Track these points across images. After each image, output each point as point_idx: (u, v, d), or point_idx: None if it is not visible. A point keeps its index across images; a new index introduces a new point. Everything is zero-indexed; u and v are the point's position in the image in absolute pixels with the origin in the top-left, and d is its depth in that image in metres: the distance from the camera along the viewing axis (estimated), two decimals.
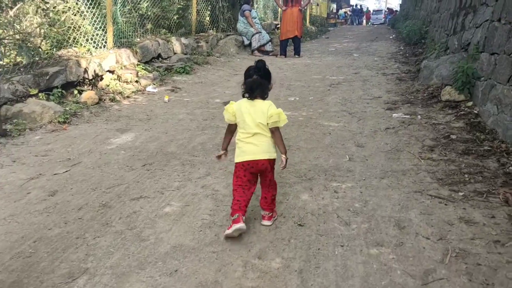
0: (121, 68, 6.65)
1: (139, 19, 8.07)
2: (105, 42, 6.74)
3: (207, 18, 10.73)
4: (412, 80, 7.10)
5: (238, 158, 2.64)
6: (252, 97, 2.60)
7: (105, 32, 6.75)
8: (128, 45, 7.15)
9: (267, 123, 2.58)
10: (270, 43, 11.05)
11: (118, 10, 7.21)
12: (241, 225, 2.48)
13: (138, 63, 7.19)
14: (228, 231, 2.49)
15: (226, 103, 3.17)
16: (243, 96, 2.66)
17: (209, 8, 10.64)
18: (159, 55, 7.98)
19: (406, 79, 7.27)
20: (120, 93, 6.17)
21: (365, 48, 12.60)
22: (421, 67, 7.08)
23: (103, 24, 6.72)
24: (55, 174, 3.58)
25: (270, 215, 2.74)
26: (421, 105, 5.59)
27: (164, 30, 8.64)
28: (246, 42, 10.79)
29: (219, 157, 2.83)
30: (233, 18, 11.32)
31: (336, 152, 4.10)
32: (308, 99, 6.22)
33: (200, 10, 10.29)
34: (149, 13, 8.30)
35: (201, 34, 10.47)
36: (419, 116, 5.11)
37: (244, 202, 2.58)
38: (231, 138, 2.81)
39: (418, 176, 3.47)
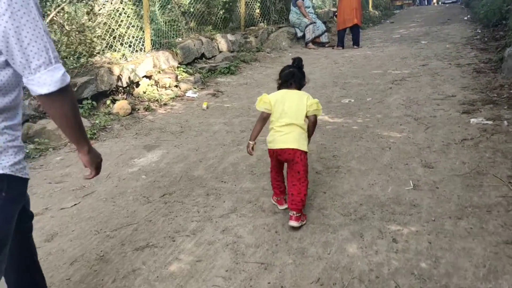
0: (159, 72, 6.18)
1: (181, 17, 7.57)
2: (143, 45, 6.29)
3: (257, 11, 10.04)
4: (494, 72, 5.95)
5: (269, 145, 2.69)
6: (288, 86, 2.72)
7: (143, 34, 6.30)
8: (168, 47, 6.67)
9: (307, 111, 2.62)
10: (326, 33, 10.14)
11: (157, 9, 6.75)
12: (284, 206, 2.84)
13: (179, 65, 6.69)
14: (280, 207, 2.88)
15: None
16: (279, 89, 2.79)
17: (259, 0, 9.94)
18: (203, 55, 7.45)
19: (486, 71, 6.12)
20: (157, 100, 5.70)
21: (435, 33, 11.25)
22: (504, 55, 5.91)
23: (139, 26, 6.27)
24: (61, 209, 3.12)
25: (298, 215, 2.61)
26: (508, 106, 4.53)
27: (209, 27, 8.09)
28: (300, 34, 9.96)
29: (251, 148, 2.80)
30: (285, 9, 10.53)
31: (396, 175, 3.28)
32: (365, 100, 5.35)
33: (249, 2, 9.62)
34: (192, 10, 7.77)
35: (251, 28, 9.81)
36: (505, 122, 4.09)
37: (282, 184, 2.86)
38: (263, 127, 2.78)
39: (510, 216, 2.58)
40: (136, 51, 6.18)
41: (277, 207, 2.92)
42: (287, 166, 2.69)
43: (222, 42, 7.95)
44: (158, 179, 3.52)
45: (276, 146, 2.63)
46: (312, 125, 2.71)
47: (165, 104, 5.69)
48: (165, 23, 6.96)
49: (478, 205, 2.76)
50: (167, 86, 6.10)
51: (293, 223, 2.59)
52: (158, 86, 6.06)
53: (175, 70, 6.50)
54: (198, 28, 7.94)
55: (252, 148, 2.78)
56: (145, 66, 6.00)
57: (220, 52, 7.89)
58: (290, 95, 2.68)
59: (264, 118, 2.75)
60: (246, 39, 8.75)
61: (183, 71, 6.63)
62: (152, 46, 6.48)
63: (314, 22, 9.85)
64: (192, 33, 7.73)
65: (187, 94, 6.10)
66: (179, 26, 7.44)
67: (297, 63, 2.85)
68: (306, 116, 2.65)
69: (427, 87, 5.69)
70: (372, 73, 6.80)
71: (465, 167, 3.33)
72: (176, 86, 6.23)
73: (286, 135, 2.59)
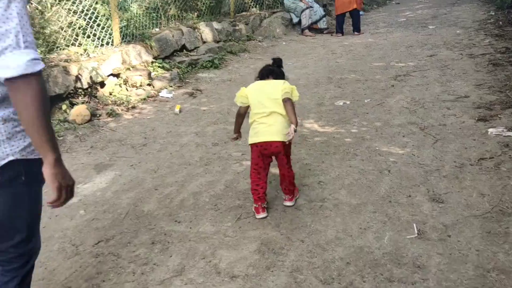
0: (129, 69, 5.43)
1: (159, 3, 6.77)
2: (111, 38, 5.53)
3: None
4: None
5: (252, 139, 2.57)
6: (264, 79, 2.65)
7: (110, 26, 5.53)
8: (141, 39, 5.90)
9: (281, 96, 2.51)
10: (324, 18, 9.27)
11: None
12: (261, 215, 2.62)
13: (154, 60, 5.92)
14: (257, 216, 2.63)
15: None
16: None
17: None
18: (184, 47, 6.66)
19: (504, 63, 5.32)
20: (125, 102, 4.97)
21: (444, 16, 10.34)
22: None
23: (106, 15, 5.51)
24: None
25: (291, 197, 2.74)
26: None
27: (192, 14, 7.28)
28: (295, 19, 9.11)
29: (234, 139, 2.86)
30: None
31: (396, 215, 2.56)
32: (362, 102, 4.59)
33: None
34: None
35: (242, 14, 8.97)
36: None
37: (262, 190, 2.62)
38: (243, 121, 2.75)
39: None
40: (102, 45, 5.42)
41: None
42: (276, 158, 2.63)
43: (206, 31, 7.15)
44: (99, 216, 2.82)
45: (260, 139, 2.51)
46: (288, 109, 2.48)
47: (133, 107, 4.95)
48: (140, 11, 6.17)
49: (505, 269, 2.04)
50: (138, 85, 5.36)
51: (288, 203, 2.74)
52: (128, 85, 5.32)
53: (149, 66, 5.74)
54: (180, 16, 7.13)
55: (236, 138, 2.81)
56: (111, 63, 5.25)
57: (204, 42, 7.09)
58: (266, 84, 2.60)
59: (241, 113, 2.70)
60: (234, 27, 7.93)
61: (159, 67, 5.87)
62: (122, 38, 5.72)
63: (311, 7, 8.98)
64: (172, 22, 6.93)
65: (160, 94, 5.35)
66: (158, 14, 6.65)
67: (277, 64, 2.77)
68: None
69: (435, 85, 4.90)
70: (373, 66, 6.00)
71: (484, 202, 2.60)
72: (149, 84, 5.48)
73: (270, 127, 2.49)
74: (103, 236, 2.60)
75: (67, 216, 2.83)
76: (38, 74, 1.22)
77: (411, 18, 10.78)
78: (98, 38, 5.41)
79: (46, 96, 1.27)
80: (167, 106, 5.02)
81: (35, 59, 1.21)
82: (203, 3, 7.62)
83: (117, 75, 5.31)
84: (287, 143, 2.52)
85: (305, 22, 8.93)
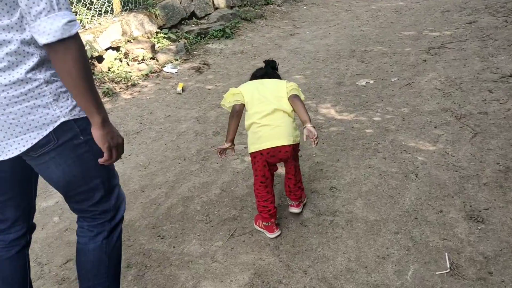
0: (129, 41, 4.95)
1: None
2: (110, 7, 5.03)
3: None
4: None
5: (254, 146, 2.08)
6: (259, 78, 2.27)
7: None
8: (144, 6, 5.37)
9: (286, 93, 2.11)
10: None
11: None
12: (276, 233, 2.19)
13: (159, 30, 5.41)
14: (270, 235, 2.19)
15: None
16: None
17: None
18: (193, 14, 6.09)
19: None
20: (124, 79, 4.53)
21: None
22: None
23: None
24: None
25: (298, 202, 2.32)
26: None
27: None
28: None
29: (222, 152, 2.23)
30: None
31: (424, 238, 2.07)
32: (388, 81, 3.99)
33: None
34: None
35: None
36: None
37: (272, 205, 2.17)
38: (238, 124, 2.17)
39: None
40: (101, 14, 4.94)
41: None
42: (284, 164, 2.24)
43: None
44: (74, 226, 2.43)
45: (264, 146, 2.04)
46: (298, 107, 2.08)
47: (133, 85, 4.51)
48: None
49: None
50: (139, 59, 4.89)
51: (295, 209, 2.33)
52: (129, 59, 4.86)
53: (152, 37, 5.24)
54: None
55: (225, 151, 2.23)
56: (110, 35, 4.77)
57: (216, 9, 6.49)
58: (265, 81, 2.21)
59: (238, 112, 2.14)
60: None
61: (164, 38, 5.36)
62: (123, 6, 5.21)
63: None
64: None
65: (164, 69, 4.88)
66: None
67: (271, 66, 2.38)
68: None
69: (474, 59, 4.23)
70: (402, 35, 5.30)
71: None
72: (152, 58, 5.01)
73: (276, 129, 2.04)
74: (73, 253, 2.23)
75: (39, 224, 2.46)
76: (75, 37, 1.17)
77: None
78: (95, 8, 4.92)
79: (86, 58, 1.22)
80: (170, 83, 4.55)
81: (70, 21, 1.15)
82: None
83: (116, 48, 4.85)
84: (295, 146, 2.12)
85: None
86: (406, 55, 4.59)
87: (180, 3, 5.85)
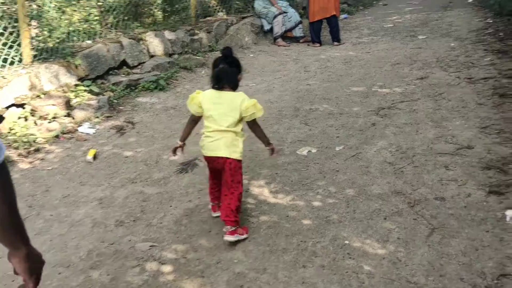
0: (39, 96, 4.24)
1: (96, 10, 5.59)
2: (17, 55, 4.34)
3: None
4: None
5: (201, 150, 2.46)
6: (219, 87, 2.42)
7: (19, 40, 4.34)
8: (62, 56, 4.70)
9: (243, 117, 2.38)
10: (300, 25, 8.13)
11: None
12: (217, 214, 2.56)
13: (79, 82, 4.73)
14: (212, 214, 2.63)
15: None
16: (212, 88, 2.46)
17: None
18: (124, 63, 5.47)
19: None
20: (25, 143, 3.78)
21: (435, 22, 9.28)
22: None
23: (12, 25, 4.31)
24: None
25: (233, 229, 2.35)
26: None
27: (139, 23, 6.09)
28: (267, 27, 7.94)
29: (174, 151, 2.58)
30: None
31: None
32: (333, 151, 3.47)
33: None
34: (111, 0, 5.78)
35: (207, 19, 7.80)
36: None
37: (217, 193, 2.54)
38: (193, 129, 2.55)
39: None
40: (5, 65, 4.22)
41: None
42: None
43: (155, 42, 5.96)
44: None
45: (205, 153, 2.42)
46: (257, 133, 2.51)
47: (36, 150, 3.76)
48: (63, 18, 4.98)
49: None
50: (50, 117, 4.17)
51: (228, 237, 2.34)
52: (36, 117, 4.14)
53: (70, 91, 4.55)
54: (123, 25, 5.94)
55: (179, 149, 2.57)
56: (14, 89, 4.06)
57: (152, 56, 5.90)
58: (221, 98, 2.40)
59: (194, 121, 2.54)
60: (193, 36, 6.74)
61: (85, 91, 4.68)
62: (36, 56, 4.52)
63: (285, 12, 7.84)
64: (112, 32, 5.74)
65: (80, 130, 4.18)
66: (91, 24, 5.46)
67: (230, 58, 2.49)
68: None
69: (427, 124, 3.81)
70: (351, 92, 4.88)
71: None
72: (67, 115, 4.30)
73: (215, 142, 2.36)
74: None
75: None
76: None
77: (399, 24, 9.70)
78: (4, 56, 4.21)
79: (12, 187, 1.07)
80: (82, 148, 3.85)
81: None
82: (154, 8, 6.43)
83: (22, 105, 4.12)
84: (232, 161, 2.37)
85: (278, 30, 7.77)
86: (354, 116, 4.12)
87: (108, 51, 5.23)
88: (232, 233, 2.33)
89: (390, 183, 2.91)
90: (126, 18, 5.98)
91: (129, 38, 5.62)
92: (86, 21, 5.50)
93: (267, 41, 7.97)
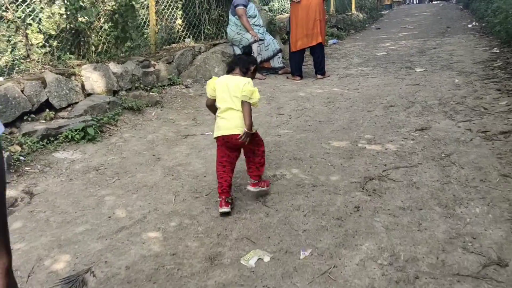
0: None
1: (23, 37, 4.49)
2: None
3: (179, 21, 6.96)
4: None
5: (215, 133, 2.76)
6: (230, 71, 2.81)
7: None
8: None
9: (240, 95, 2.65)
10: (279, 55, 7.07)
11: None
12: (223, 209, 2.68)
13: None
14: (219, 210, 2.72)
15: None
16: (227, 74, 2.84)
17: (180, 5, 6.85)
18: (47, 105, 4.34)
19: None
20: None
21: (433, 51, 8.26)
22: None
23: None
24: None
25: (255, 182, 2.83)
26: None
27: (69, 54, 4.98)
28: None
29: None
30: (225, 17, 7.46)
31: None
32: (294, 260, 2.30)
33: (163, 8, 6.55)
34: (42, 27, 4.68)
35: (172, 46, 6.75)
36: None
37: (225, 183, 2.71)
38: (216, 110, 2.82)
39: None
40: None
41: None
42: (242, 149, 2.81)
43: (93, 77, 4.83)
44: None
45: (221, 133, 2.70)
46: (244, 111, 2.67)
47: None
48: None
49: None
50: None
51: (251, 188, 2.84)
52: None
53: None
54: (54, 56, 4.83)
55: None
56: None
57: (89, 95, 4.78)
58: (230, 80, 2.72)
59: (209, 105, 2.89)
60: (147, 68, 5.64)
61: None
62: None
63: (261, 40, 6.77)
64: (39, 65, 4.62)
65: None
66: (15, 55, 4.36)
67: (248, 51, 3.04)
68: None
69: (434, 211, 2.66)
70: (331, 148, 3.75)
71: None
72: None
73: (227, 122, 2.67)
74: None
75: None
76: None
77: (393, 52, 8.68)
78: None
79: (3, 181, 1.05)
80: None
81: None
82: (102, 36, 5.33)
83: None
84: (245, 138, 2.66)
85: None
86: (330, 192, 2.97)
87: (23, 91, 4.09)
88: (254, 185, 2.83)
89: None
90: (58, 48, 4.86)
91: (57, 73, 4.50)
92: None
93: None
